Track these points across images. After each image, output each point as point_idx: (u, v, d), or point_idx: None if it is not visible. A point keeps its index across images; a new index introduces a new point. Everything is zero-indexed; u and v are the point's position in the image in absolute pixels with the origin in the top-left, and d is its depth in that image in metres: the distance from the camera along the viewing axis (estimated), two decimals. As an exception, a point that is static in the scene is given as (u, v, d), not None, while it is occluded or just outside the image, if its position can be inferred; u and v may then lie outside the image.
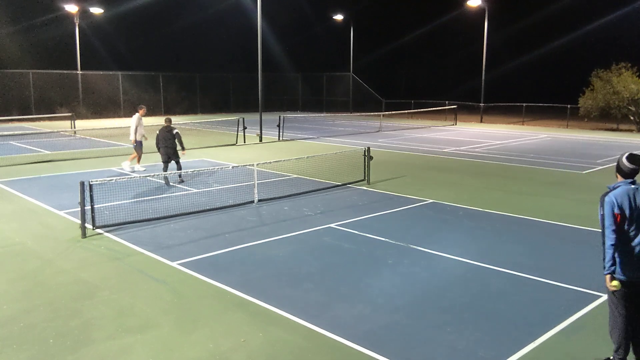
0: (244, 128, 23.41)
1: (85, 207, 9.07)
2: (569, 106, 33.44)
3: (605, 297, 6.59)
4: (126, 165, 15.41)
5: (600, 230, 4.65)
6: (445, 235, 9.26)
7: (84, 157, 18.51)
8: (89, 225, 9.21)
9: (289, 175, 14.90)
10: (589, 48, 44.79)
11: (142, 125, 15.09)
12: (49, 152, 19.67)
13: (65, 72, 38.14)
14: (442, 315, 6.11)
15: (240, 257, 8.08)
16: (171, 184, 13.43)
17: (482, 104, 37.90)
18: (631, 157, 4.62)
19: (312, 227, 9.64)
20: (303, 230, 9.46)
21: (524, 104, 36.25)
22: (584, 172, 16.13)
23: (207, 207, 10.99)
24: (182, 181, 13.66)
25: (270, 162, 14.02)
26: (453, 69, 52.63)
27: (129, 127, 15.29)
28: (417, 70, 57.31)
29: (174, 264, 7.73)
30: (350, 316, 6.09)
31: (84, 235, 8.98)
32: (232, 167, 13.12)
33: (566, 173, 15.93)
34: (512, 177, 15.24)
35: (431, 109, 37.85)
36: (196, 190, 12.87)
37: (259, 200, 11.55)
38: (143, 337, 5.61)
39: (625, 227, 4.51)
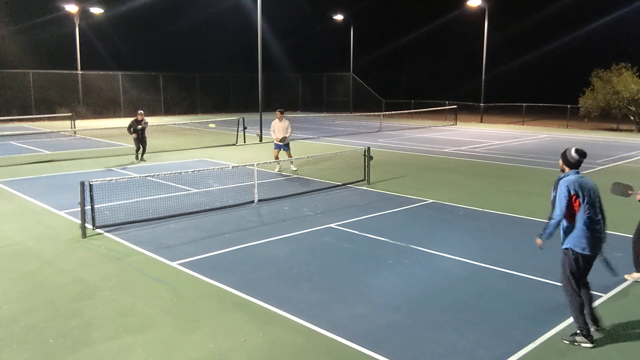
0: (244, 128, 23.42)
1: (85, 207, 9.07)
2: (569, 106, 33.44)
3: (606, 297, 6.60)
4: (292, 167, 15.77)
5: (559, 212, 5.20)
6: (445, 235, 9.26)
7: (84, 157, 18.51)
8: (89, 225, 9.21)
9: (289, 175, 14.90)
10: (589, 48, 44.78)
11: (279, 128, 15.38)
12: (49, 152, 19.68)
13: (65, 72, 38.14)
14: (442, 315, 6.11)
15: (240, 257, 8.08)
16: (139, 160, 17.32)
17: (482, 104, 37.91)
18: (578, 150, 5.27)
19: (312, 227, 9.64)
20: (303, 230, 9.46)
21: (524, 104, 36.25)
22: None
23: (207, 207, 10.99)
24: (142, 159, 17.54)
25: (270, 162, 14.03)
26: (453, 69, 52.58)
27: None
28: (417, 70, 57.29)
29: (174, 264, 7.73)
30: (350, 316, 6.09)
31: (84, 235, 8.98)
32: (232, 167, 13.12)
33: (566, 173, 15.90)
34: (512, 177, 15.25)
35: (431, 109, 37.86)
36: (196, 190, 12.87)
37: (259, 200, 11.55)
38: (143, 337, 5.61)
39: (587, 209, 5.14)
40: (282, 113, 15.62)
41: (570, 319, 5.98)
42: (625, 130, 30.57)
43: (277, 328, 5.79)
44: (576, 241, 5.21)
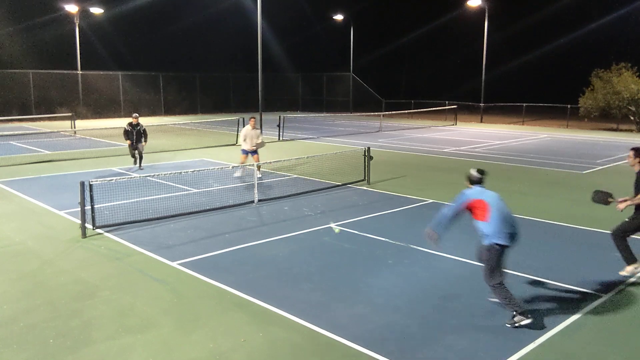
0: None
1: (85, 207, 9.07)
2: (569, 106, 33.45)
3: (606, 297, 6.61)
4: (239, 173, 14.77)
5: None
6: (445, 235, 9.23)
7: (84, 157, 18.52)
8: (89, 225, 9.21)
9: (289, 175, 14.90)
10: (589, 48, 44.78)
11: (250, 135, 14.41)
12: (49, 152, 19.68)
13: (65, 72, 38.15)
14: (442, 315, 6.11)
15: (240, 257, 8.08)
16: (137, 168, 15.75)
17: (482, 104, 37.91)
18: (478, 170, 6.31)
19: (312, 227, 9.63)
20: (303, 230, 9.46)
21: (524, 104, 36.25)
22: (584, 172, 16.13)
23: (207, 207, 10.99)
24: (140, 167, 15.97)
25: (270, 162, 14.03)
26: (453, 69, 52.58)
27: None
28: (417, 70, 57.28)
29: (174, 264, 7.73)
30: (350, 316, 6.09)
31: (84, 235, 8.98)
32: (232, 167, 13.10)
33: (566, 173, 15.93)
34: (512, 177, 15.24)
35: (431, 109, 37.86)
36: (196, 190, 12.88)
37: (259, 200, 11.55)
38: (143, 337, 5.61)
39: (496, 210, 5.86)
40: (254, 121, 14.73)
41: (570, 319, 5.99)
42: (625, 130, 30.56)
43: (277, 328, 5.79)
44: (495, 237, 5.83)
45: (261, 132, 15.13)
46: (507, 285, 5.94)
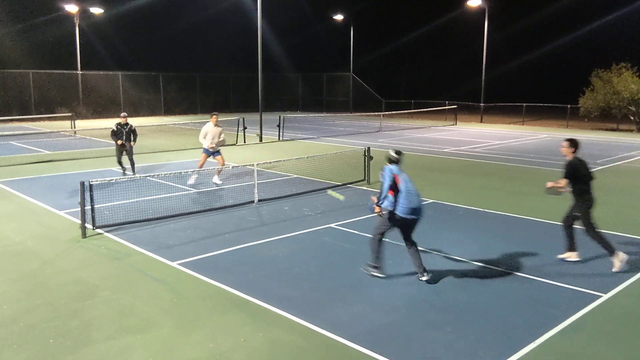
0: (244, 128, 23.42)
1: (85, 207, 9.07)
2: (569, 106, 33.45)
3: (606, 296, 6.62)
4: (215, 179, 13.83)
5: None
6: (446, 235, 9.26)
7: (84, 157, 18.52)
8: (89, 225, 9.21)
9: (289, 175, 14.90)
10: (589, 48, 44.79)
11: (211, 132, 13.37)
12: (49, 152, 19.68)
13: (65, 72, 38.15)
14: (442, 315, 6.11)
15: (240, 257, 8.08)
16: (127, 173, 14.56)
17: (482, 104, 37.90)
18: (397, 151, 7.22)
19: (312, 227, 9.64)
20: (303, 230, 9.46)
21: (524, 104, 36.26)
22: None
23: (207, 207, 10.99)
24: (134, 173, 14.60)
25: (270, 162, 14.02)
26: (453, 69, 52.57)
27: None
28: (417, 70, 57.28)
29: (174, 264, 7.73)
30: (350, 316, 6.09)
31: (84, 235, 8.98)
32: (232, 167, 13.08)
33: (566, 173, 15.90)
34: (512, 177, 15.24)
35: (431, 109, 37.87)
36: (196, 190, 12.87)
37: (259, 200, 11.55)
38: (143, 337, 5.61)
39: (403, 186, 6.87)
40: (217, 117, 13.67)
41: (570, 319, 6.00)
42: (625, 130, 30.57)
43: (277, 328, 5.80)
44: (400, 208, 6.83)
45: (223, 129, 13.97)
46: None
